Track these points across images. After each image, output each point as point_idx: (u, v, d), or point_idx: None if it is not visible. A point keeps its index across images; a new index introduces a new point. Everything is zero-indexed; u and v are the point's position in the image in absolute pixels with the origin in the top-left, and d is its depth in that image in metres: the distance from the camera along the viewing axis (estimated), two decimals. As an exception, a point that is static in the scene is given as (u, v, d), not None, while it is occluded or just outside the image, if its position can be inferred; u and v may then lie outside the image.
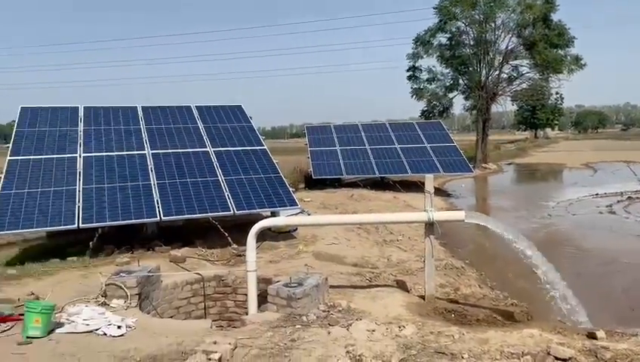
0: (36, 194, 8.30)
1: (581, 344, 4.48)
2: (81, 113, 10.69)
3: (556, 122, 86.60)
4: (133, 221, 8.38)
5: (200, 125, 11.28)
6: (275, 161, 10.55)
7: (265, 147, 11.08)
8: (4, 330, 4.88)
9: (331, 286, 6.31)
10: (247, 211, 9.12)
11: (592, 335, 4.88)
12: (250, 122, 11.93)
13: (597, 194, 18.27)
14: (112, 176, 9.07)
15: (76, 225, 7.95)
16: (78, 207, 8.22)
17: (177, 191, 9.04)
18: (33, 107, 10.59)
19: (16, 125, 9.90)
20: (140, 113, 11.22)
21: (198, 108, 11.97)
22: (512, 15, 30.15)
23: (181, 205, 8.74)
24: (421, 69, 33.53)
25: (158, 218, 8.43)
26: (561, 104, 73.49)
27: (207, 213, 8.78)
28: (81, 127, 10.25)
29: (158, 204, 8.62)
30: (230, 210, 8.89)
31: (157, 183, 9.10)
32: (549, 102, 60.98)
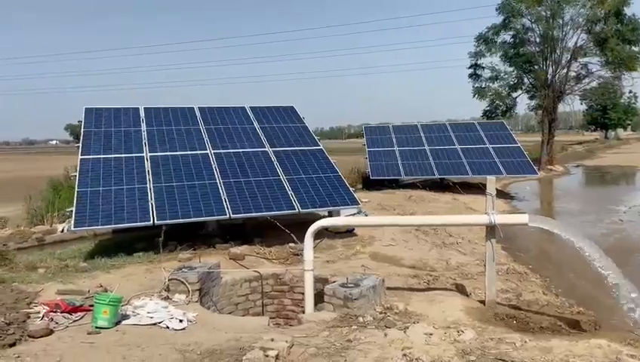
0: (110, 192, 8.65)
1: (655, 357, 4.22)
2: (142, 114, 11.08)
3: (629, 122, 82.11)
4: (205, 218, 8.69)
5: (256, 125, 11.50)
6: (332, 161, 10.61)
7: (321, 147, 11.20)
8: (76, 320, 5.15)
9: (388, 288, 6.26)
10: (311, 210, 9.32)
11: (666, 349, 4.58)
12: (303, 122, 12.07)
13: (674, 199, 17.17)
14: (179, 174, 9.37)
15: (152, 222, 8.23)
16: (151, 204, 8.52)
17: (243, 190, 9.26)
18: (97, 108, 11.05)
19: (83, 125, 10.34)
20: (198, 114, 11.54)
21: (252, 108, 12.22)
22: (582, 10, 28.80)
23: (248, 204, 8.96)
24: (483, 67, 32.64)
25: (228, 216, 8.66)
26: (634, 103, 69.50)
27: (273, 211, 8.97)
28: (143, 127, 10.63)
29: (226, 202, 8.86)
30: (295, 209, 9.07)
31: (223, 182, 9.36)
32: (622, 101, 57.85)
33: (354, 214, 10.05)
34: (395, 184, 18.95)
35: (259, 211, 8.88)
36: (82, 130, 10.24)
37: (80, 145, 9.78)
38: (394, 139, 20.19)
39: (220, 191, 9.10)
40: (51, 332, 4.78)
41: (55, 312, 5.19)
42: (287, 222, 9.29)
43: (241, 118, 11.72)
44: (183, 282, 5.94)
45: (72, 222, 8.02)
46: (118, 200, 8.50)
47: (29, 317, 5.08)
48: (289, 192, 9.40)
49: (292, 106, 12.74)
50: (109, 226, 8.27)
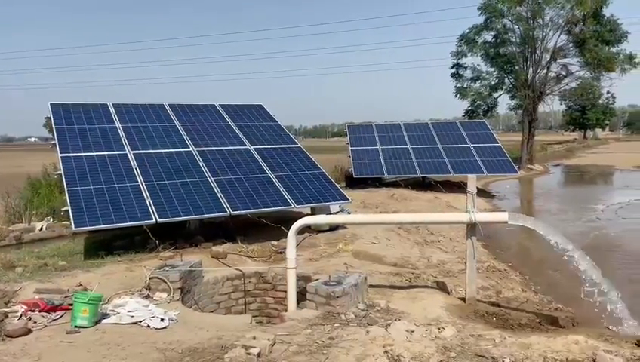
0: (103, 191, 8.43)
1: (630, 352, 4.31)
2: (112, 111, 10.85)
3: (607, 122, 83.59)
4: (206, 216, 8.66)
5: (231, 123, 11.51)
6: (314, 159, 10.69)
7: (299, 145, 11.33)
8: (55, 319, 5.08)
9: (370, 286, 6.29)
10: (305, 205, 9.44)
11: (641, 344, 4.68)
12: (276, 121, 12.14)
13: (650, 198, 17.51)
14: (168, 172, 9.26)
15: (154, 220, 8.10)
16: (149, 202, 8.38)
17: (235, 187, 9.26)
18: (63, 104, 10.72)
19: (53, 122, 10.01)
20: (170, 111, 11.41)
21: (223, 106, 12.21)
22: (561, 12, 29.22)
23: (244, 200, 8.99)
24: (465, 68, 32.94)
25: (228, 213, 8.66)
26: (612, 104, 70.77)
27: (270, 207, 9.06)
28: (118, 124, 10.42)
29: (223, 199, 8.84)
30: (290, 205, 9.22)
31: (214, 179, 9.33)
32: (600, 101, 58.84)
33: (337, 212, 10.10)
34: (378, 182, 19.02)
35: (257, 207, 8.93)
36: (54, 126, 9.92)
37: (56, 142, 9.45)
38: (377, 138, 20.28)
39: (215, 189, 9.08)
40: (29, 331, 4.71)
41: (33, 311, 5.12)
42: (269, 220, 9.30)
43: (215, 116, 11.68)
44: (164, 280, 5.90)
45: (72, 221, 7.74)
46: (114, 199, 8.31)
47: (6, 317, 5.00)
48: (280, 189, 9.49)
49: (261, 105, 12.84)
50: (112, 225, 7.99)
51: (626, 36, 29.28)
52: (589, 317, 6.30)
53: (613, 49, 29.44)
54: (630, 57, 29.33)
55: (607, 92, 56.58)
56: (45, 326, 4.91)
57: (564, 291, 7.53)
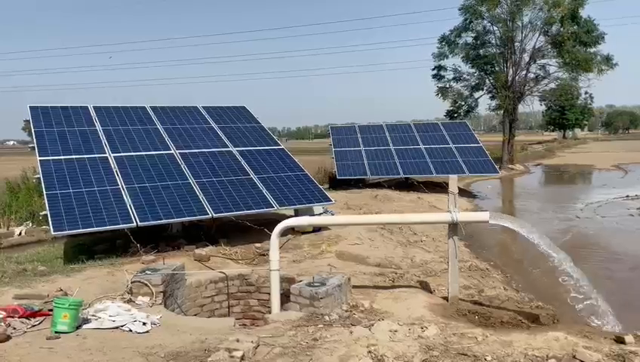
0: (82, 194, 8.30)
1: (608, 348, 4.38)
2: (92, 113, 10.67)
3: (585, 122, 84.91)
4: (188, 218, 8.60)
5: (214, 125, 11.44)
6: (296, 160, 10.70)
7: (282, 146, 11.34)
8: (34, 325, 5.00)
9: (354, 287, 6.31)
10: (288, 207, 9.43)
11: (620, 340, 4.76)
12: (259, 122, 12.13)
13: (627, 196, 17.83)
14: (149, 175, 9.17)
15: (135, 224, 8.00)
16: (130, 206, 8.27)
17: (218, 190, 9.21)
18: (42, 106, 10.51)
19: (32, 125, 9.83)
20: (151, 113, 11.29)
21: (206, 108, 12.13)
22: (540, 13, 29.65)
23: (227, 203, 8.93)
24: (446, 69, 33.24)
25: (210, 215, 8.60)
26: (590, 104, 71.82)
27: (252, 209, 9.03)
28: (98, 126, 10.25)
29: (205, 201, 8.78)
30: (273, 207, 9.20)
31: (196, 182, 9.26)
32: (579, 102, 59.72)
33: (320, 213, 10.11)
34: (362, 183, 19.10)
35: (239, 210, 8.89)
36: (33, 129, 9.72)
37: (35, 145, 9.27)
38: (360, 139, 20.35)
39: (197, 191, 9.01)
40: (8, 338, 4.62)
41: (12, 317, 5.03)
42: (252, 222, 9.27)
43: (197, 118, 11.60)
44: (146, 284, 5.84)
45: (51, 226, 7.59)
46: (94, 203, 8.17)
47: (-16, 324, 4.90)
48: (263, 191, 9.46)
49: (244, 106, 12.77)
50: (91, 229, 7.86)
51: (603, 37, 29.81)
52: (569, 314, 6.40)
53: (591, 50, 29.95)
54: (607, 59, 29.86)
55: (586, 92, 57.31)
56: (25, 332, 4.82)
57: (545, 289, 7.65)
